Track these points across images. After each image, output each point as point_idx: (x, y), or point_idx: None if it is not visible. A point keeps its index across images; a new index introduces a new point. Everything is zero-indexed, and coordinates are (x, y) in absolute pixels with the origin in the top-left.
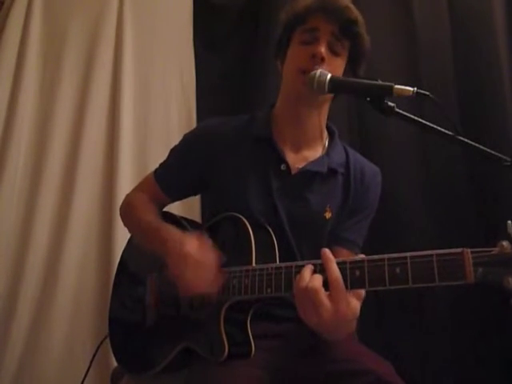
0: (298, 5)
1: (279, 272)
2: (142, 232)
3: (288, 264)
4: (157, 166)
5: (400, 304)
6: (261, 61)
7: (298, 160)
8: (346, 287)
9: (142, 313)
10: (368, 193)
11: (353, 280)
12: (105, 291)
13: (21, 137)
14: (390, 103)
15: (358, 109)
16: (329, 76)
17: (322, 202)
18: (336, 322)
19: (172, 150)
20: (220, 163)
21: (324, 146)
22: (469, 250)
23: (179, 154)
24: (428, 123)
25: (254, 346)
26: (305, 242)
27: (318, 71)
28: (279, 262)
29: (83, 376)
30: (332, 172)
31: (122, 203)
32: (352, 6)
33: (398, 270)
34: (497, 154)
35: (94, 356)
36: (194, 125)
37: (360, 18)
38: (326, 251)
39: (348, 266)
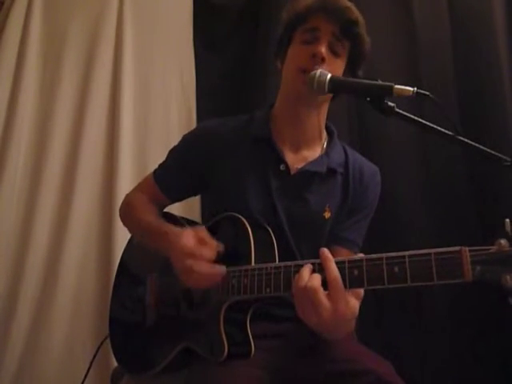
0: (298, 4)
1: (278, 272)
2: (143, 231)
3: (287, 263)
4: (157, 166)
5: (399, 303)
6: (261, 61)
7: (297, 160)
8: (345, 286)
9: (142, 313)
10: (367, 192)
11: (351, 279)
12: (105, 291)
13: (21, 137)
14: (389, 103)
15: (358, 109)
16: (329, 76)
17: (321, 201)
18: (335, 322)
19: (171, 151)
20: (219, 163)
21: (323, 145)
22: (467, 249)
23: (178, 155)
24: (428, 123)
25: (253, 346)
26: (304, 242)
27: (318, 71)
28: (278, 261)
29: (83, 376)
30: (331, 172)
31: (122, 204)
32: (353, 7)
33: (396, 268)
34: (497, 154)
35: (94, 356)
36: (193, 125)
37: (361, 18)
38: (325, 251)
39: (347, 265)
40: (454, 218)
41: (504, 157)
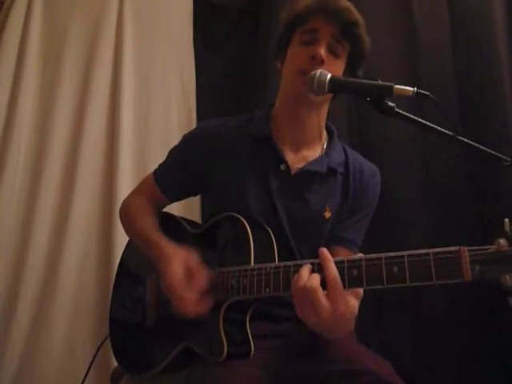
0: (298, 5)
1: (277, 271)
2: (138, 241)
3: (286, 263)
4: (157, 166)
5: (398, 303)
6: (261, 61)
7: (297, 160)
8: (344, 286)
9: (141, 313)
10: (367, 192)
11: (350, 279)
12: (105, 291)
13: (21, 137)
14: (389, 103)
15: (358, 109)
16: (329, 76)
17: (321, 201)
18: (334, 321)
19: (171, 151)
20: (219, 163)
21: (323, 145)
22: (466, 248)
23: (178, 155)
24: (428, 123)
25: (253, 346)
26: (304, 242)
27: (318, 71)
28: (278, 261)
29: (83, 376)
30: (331, 172)
31: (121, 208)
32: (352, 8)
33: (395, 268)
34: (497, 153)
35: (94, 356)
36: (193, 125)
37: (360, 19)
38: (324, 250)
39: (346, 265)
40: (454, 217)
41: (504, 157)
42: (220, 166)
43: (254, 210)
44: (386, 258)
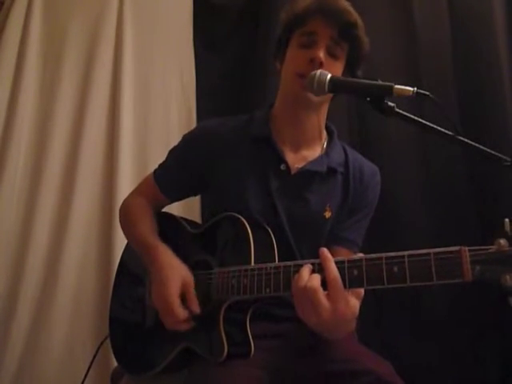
0: (297, 6)
1: (278, 272)
2: (137, 246)
3: (287, 263)
4: (157, 166)
5: (399, 303)
6: (261, 61)
7: (297, 160)
8: (345, 286)
9: (142, 313)
10: (367, 192)
11: (351, 279)
12: (105, 291)
13: (21, 137)
14: (389, 103)
15: (358, 109)
16: (329, 76)
17: (321, 201)
18: (335, 321)
19: (171, 151)
20: (219, 163)
21: (323, 145)
22: (466, 248)
23: (178, 155)
24: (428, 123)
25: (253, 346)
26: (304, 242)
27: (318, 71)
28: (278, 261)
29: (83, 376)
30: (331, 171)
31: (120, 208)
32: (351, 9)
33: (395, 268)
34: (497, 153)
35: (94, 356)
36: (193, 125)
37: (359, 20)
38: (324, 250)
39: (346, 265)
40: (454, 217)
41: (504, 157)
42: (220, 166)
43: (254, 209)
44: (387, 258)
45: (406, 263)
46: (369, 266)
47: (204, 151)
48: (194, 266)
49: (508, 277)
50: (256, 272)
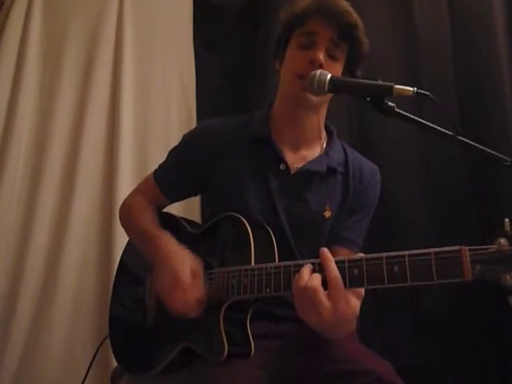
0: (296, 6)
1: (278, 271)
2: (139, 240)
3: (287, 263)
4: (157, 166)
5: (399, 303)
6: (261, 61)
7: (296, 160)
8: (345, 286)
9: (142, 313)
10: (367, 191)
11: (351, 279)
12: (105, 291)
13: (21, 137)
14: (389, 103)
15: (358, 109)
16: (329, 76)
17: (321, 201)
18: (336, 321)
19: (171, 151)
20: (219, 163)
21: (322, 145)
22: (466, 248)
23: (178, 155)
24: (428, 123)
25: (253, 346)
26: (304, 242)
27: (318, 71)
28: (278, 261)
29: (83, 376)
30: (331, 171)
31: (121, 207)
32: (351, 10)
33: (396, 268)
34: (497, 153)
35: (94, 356)
36: (193, 125)
37: (359, 21)
38: (325, 250)
39: (346, 264)
40: (454, 217)
41: (504, 157)
42: (220, 166)
43: (253, 209)
44: (387, 257)
45: (407, 263)
46: (369, 265)
47: (204, 151)
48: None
49: (508, 276)
50: (256, 272)
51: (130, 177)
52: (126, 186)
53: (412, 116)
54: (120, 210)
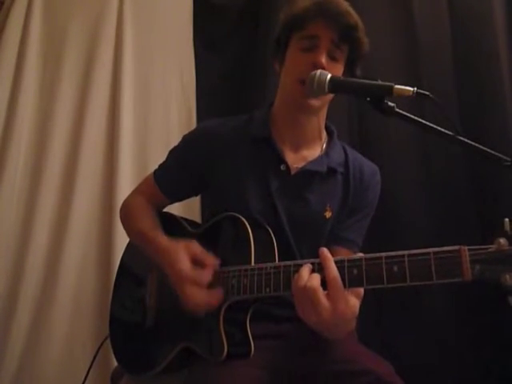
0: (296, 7)
1: (278, 271)
2: (140, 241)
3: (286, 263)
4: (157, 166)
5: (399, 303)
6: (261, 61)
7: (297, 160)
8: (344, 286)
9: (142, 313)
10: (367, 191)
11: (351, 278)
12: (105, 291)
13: (21, 137)
14: (390, 103)
15: (358, 109)
16: (329, 76)
17: (321, 201)
18: (335, 321)
19: (171, 151)
20: (219, 164)
21: (323, 145)
22: (466, 248)
23: (178, 155)
24: (428, 123)
25: (253, 346)
26: (305, 242)
27: (318, 71)
28: (278, 261)
29: (83, 377)
30: (331, 171)
31: (121, 207)
32: (351, 11)
33: (395, 268)
34: (497, 153)
35: (94, 357)
36: (193, 125)
37: (359, 22)
38: (324, 250)
39: (346, 264)
40: (454, 217)
41: (504, 157)
42: (220, 166)
43: (254, 210)
44: (387, 257)
45: (406, 262)
46: (368, 265)
47: (204, 151)
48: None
49: (508, 276)
50: (256, 272)
51: (130, 177)
52: (126, 186)
53: (412, 116)
54: (120, 210)
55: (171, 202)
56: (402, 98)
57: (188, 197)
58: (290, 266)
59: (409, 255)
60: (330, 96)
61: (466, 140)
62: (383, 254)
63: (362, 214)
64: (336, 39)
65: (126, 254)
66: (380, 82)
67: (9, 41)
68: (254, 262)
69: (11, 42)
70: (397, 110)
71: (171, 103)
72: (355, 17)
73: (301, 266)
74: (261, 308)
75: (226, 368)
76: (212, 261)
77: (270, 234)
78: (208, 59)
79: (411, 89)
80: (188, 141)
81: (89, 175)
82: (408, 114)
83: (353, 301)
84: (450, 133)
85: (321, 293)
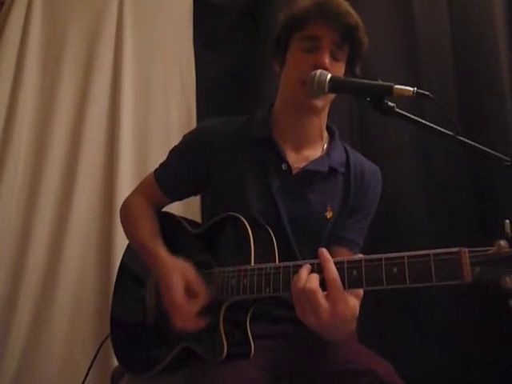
0: (296, 8)
1: (277, 272)
2: (138, 249)
3: (286, 264)
4: (157, 165)
5: (399, 304)
6: (261, 61)
7: (298, 160)
8: (344, 287)
9: (142, 313)
10: (368, 192)
11: (350, 280)
12: (105, 291)
13: (21, 137)
14: (390, 103)
15: (359, 109)
16: (329, 76)
17: (322, 201)
18: (335, 322)
19: (172, 151)
20: (220, 163)
21: (324, 145)
22: (466, 250)
23: (179, 155)
24: (428, 123)
25: (253, 346)
26: (305, 242)
27: (318, 71)
28: (279, 261)
29: (84, 376)
30: (332, 171)
31: (121, 208)
32: (352, 11)
33: (395, 269)
34: (497, 153)
35: (95, 356)
36: (193, 125)
37: (360, 22)
38: (324, 251)
39: (345, 265)
40: (454, 217)
41: (504, 157)
42: (220, 166)
43: (254, 209)
44: (386, 258)
45: (406, 264)
46: (368, 266)
47: (204, 151)
48: (194, 266)
49: (508, 278)
50: (256, 272)
51: (130, 177)
52: (125, 186)
53: (412, 116)
54: (120, 210)
55: (171, 201)
56: (402, 98)
57: (188, 196)
58: (289, 266)
59: (408, 257)
60: (332, 96)
61: (466, 140)
62: (383, 256)
63: (363, 214)
64: (337, 40)
65: (127, 255)
66: (380, 82)
67: (9, 41)
68: (254, 262)
69: (11, 42)
70: (397, 110)
71: (171, 103)
72: (356, 17)
73: (300, 266)
74: (261, 308)
75: (226, 368)
76: (205, 292)
77: (270, 234)
78: (208, 59)
79: (411, 89)
80: (189, 140)
81: (89, 175)
82: (408, 114)
83: (352, 301)
84: (450, 133)
85: (320, 294)
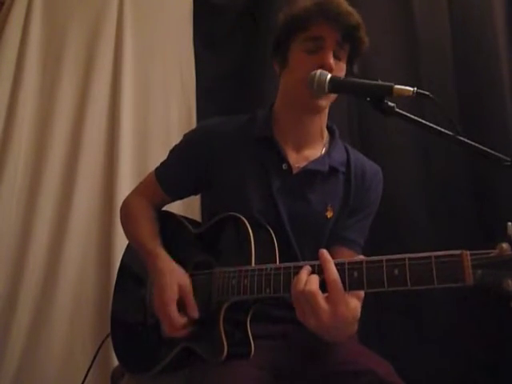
0: (296, 8)
1: (278, 273)
2: (137, 249)
3: (287, 265)
4: (157, 165)
5: (399, 305)
6: (261, 61)
7: (299, 159)
8: (345, 289)
9: (142, 313)
10: (369, 191)
11: (351, 281)
12: (105, 291)
13: (21, 137)
14: (390, 103)
15: (358, 109)
16: (329, 76)
17: (323, 201)
18: (335, 324)
19: (173, 150)
20: (220, 163)
21: (325, 145)
22: (468, 252)
23: (180, 154)
24: (428, 123)
25: (253, 347)
26: (306, 242)
27: (318, 71)
28: (280, 261)
29: (84, 376)
30: (333, 171)
31: (121, 207)
32: (353, 11)
33: (396, 271)
34: (497, 153)
35: (95, 356)
36: (193, 124)
37: (361, 21)
38: (324, 252)
39: (346, 266)
40: (454, 218)
41: (504, 157)
42: (221, 166)
43: (255, 209)
44: (387, 260)
45: (407, 266)
46: (369, 268)
47: (205, 150)
48: (194, 266)
49: (510, 281)
50: (256, 273)
51: (130, 177)
52: (125, 186)
53: (412, 116)
54: (120, 210)
55: (172, 201)
56: (402, 98)
57: (189, 195)
58: (290, 267)
59: (410, 259)
60: (335, 96)
61: (466, 140)
62: (384, 257)
63: (364, 214)
64: (340, 40)
65: (127, 255)
66: (380, 82)
67: (9, 41)
68: (255, 263)
69: (11, 42)
70: (397, 109)
71: (171, 103)
72: (357, 16)
73: (301, 267)
74: (261, 309)
75: (226, 368)
76: (195, 312)
77: (271, 234)
78: (208, 59)
79: (411, 89)
80: (189, 139)
81: (89, 175)
82: (408, 114)
83: (354, 303)
84: (450, 133)
85: (320, 296)
